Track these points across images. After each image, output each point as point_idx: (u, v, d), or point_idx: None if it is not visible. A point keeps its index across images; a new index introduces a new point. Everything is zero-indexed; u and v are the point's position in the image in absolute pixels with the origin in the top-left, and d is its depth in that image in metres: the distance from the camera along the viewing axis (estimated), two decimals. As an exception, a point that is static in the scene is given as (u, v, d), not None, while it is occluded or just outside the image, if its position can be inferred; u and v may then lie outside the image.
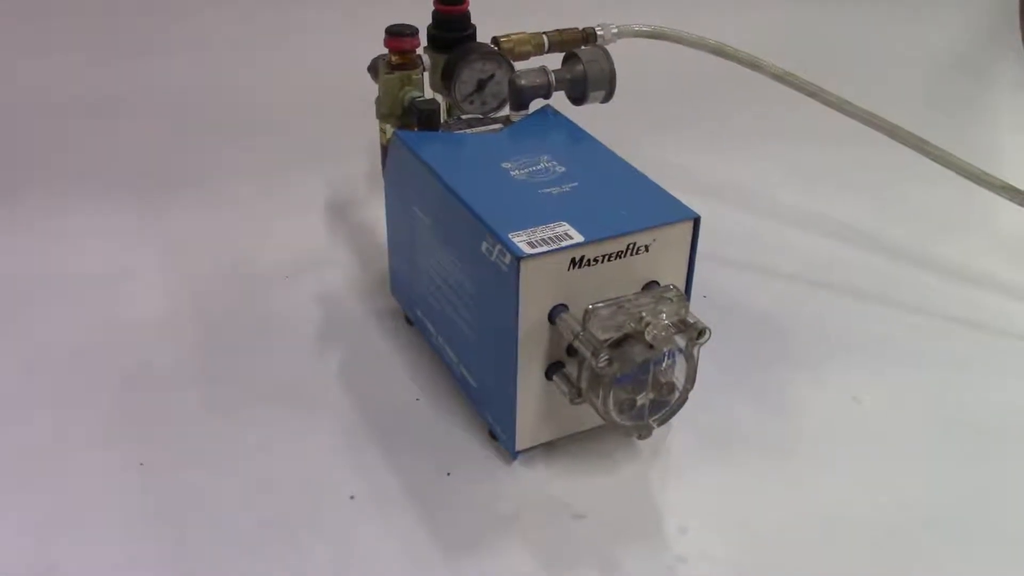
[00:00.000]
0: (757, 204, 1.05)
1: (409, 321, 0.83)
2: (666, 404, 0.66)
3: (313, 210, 1.00)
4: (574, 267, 0.64)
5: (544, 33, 0.85)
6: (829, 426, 0.75)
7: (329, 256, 0.94)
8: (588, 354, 0.62)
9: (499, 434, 0.71)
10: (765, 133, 1.12)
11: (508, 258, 0.62)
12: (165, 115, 1.02)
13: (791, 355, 0.83)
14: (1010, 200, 0.87)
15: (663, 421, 0.67)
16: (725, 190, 1.06)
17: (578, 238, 0.63)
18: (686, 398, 0.66)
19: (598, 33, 0.87)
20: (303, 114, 1.03)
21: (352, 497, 0.67)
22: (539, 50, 0.85)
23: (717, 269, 0.93)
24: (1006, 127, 1.21)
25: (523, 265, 0.62)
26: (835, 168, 1.09)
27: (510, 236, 0.63)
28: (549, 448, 0.71)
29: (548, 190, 0.69)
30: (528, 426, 0.69)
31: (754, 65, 0.89)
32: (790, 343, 0.84)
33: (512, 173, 0.71)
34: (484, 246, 0.65)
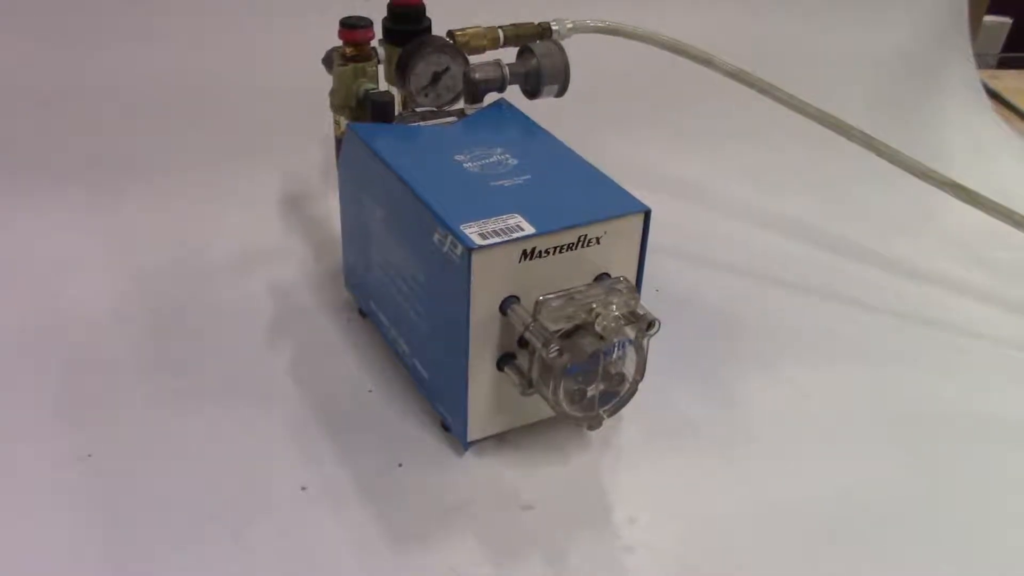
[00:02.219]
0: (710, 200, 1.06)
1: (362, 313, 0.83)
2: (616, 395, 0.67)
3: (266, 202, 0.99)
4: (525, 259, 0.64)
5: (500, 27, 0.85)
6: (777, 419, 0.76)
7: (282, 248, 0.93)
8: (539, 345, 0.63)
9: (451, 425, 0.71)
10: (720, 130, 1.13)
11: (459, 249, 0.62)
12: (115, 104, 1.01)
13: (741, 349, 0.84)
14: (955, 197, 0.88)
15: (613, 412, 0.67)
16: (679, 186, 1.07)
17: (529, 230, 0.64)
18: (636, 389, 0.67)
19: (553, 28, 0.87)
20: (257, 105, 1.02)
21: (304, 488, 0.67)
22: (495, 44, 0.85)
23: (670, 264, 0.94)
24: (954, 127, 1.22)
25: (474, 256, 0.62)
26: (787, 165, 1.10)
27: (462, 227, 0.63)
28: (500, 439, 0.72)
29: (501, 182, 0.69)
30: (479, 417, 0.69)
31: (707, 62, 0.90)
32: (740, 337, 0.85)
33: (465, 165, 0.71)
34: (436, 237, 0.65)
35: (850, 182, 1.08)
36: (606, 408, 0.67)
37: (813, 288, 0.93)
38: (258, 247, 0.93)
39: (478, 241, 0.62)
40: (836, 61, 1.23)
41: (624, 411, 0.68)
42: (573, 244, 0.65)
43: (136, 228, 0.94)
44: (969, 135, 1.23)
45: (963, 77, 1.29)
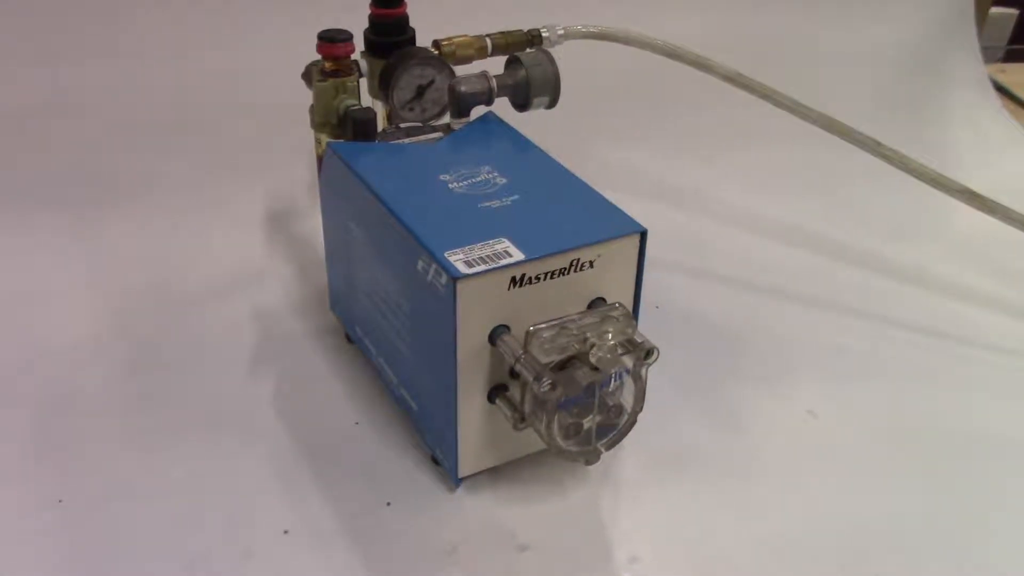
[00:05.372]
0: (712, 209, 1.02)
1: (349, 339, 0.80)
2: (614, 427, 0.63)
3: (251, 222, 0.95)
4: (515, 286, 0.60)
5: (487, 36, 0.81)
6: (785, 444, 0.72)
7: (267, 270, 0.90)
8: (530, 378, 0.59)
9: (441, 460, 0.68)
10: (720, 137, 1.09)
11: (444, 278, 0.59)
12: (94, 124, 0.97)
13: (746, 368, 0.80)
14: (969, 204, 0.84)
15: (611, 445, 0.63)
16: (679, 195, 1.03)
17: (518, 256, 0.60)
18: (635, 420, 0.63)
19: (543, 35, 0.83)
20: (241, 122, 0.99)
21: (286, 532, 0.64)
22: (482, 54, 0.81)
23: (671, 277, 0.90)
24: (962, 123, 1.19)
25: (460, 286, 0.58)
26: (791, 172, 1.06)
27: (446, 255, 0.60)
28: (494, 473, 0.68)
29: (488, 204, 0.66)
30: (471, 451, 0.66)
31: (704, 66, 0.86)
32: (745, 354, 0.82)
33: (451, 186, 0.68)
34: (420, 265, 0.61)
35: (856, 186, 1.04)
36: (604, 441, 0.63)
37: (820, 300, 0.89)
38: (242, 270, 0.89)
39: (464, 270, 0.58)
40: (838, 57, 1.20)
41: (624, 440, 0.64)
42: (565, 269, 0.62)
43: (116, 251, 0.90)
44: (977, 132, 1.19)
45: (970, 71, 1.25)
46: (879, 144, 0.85)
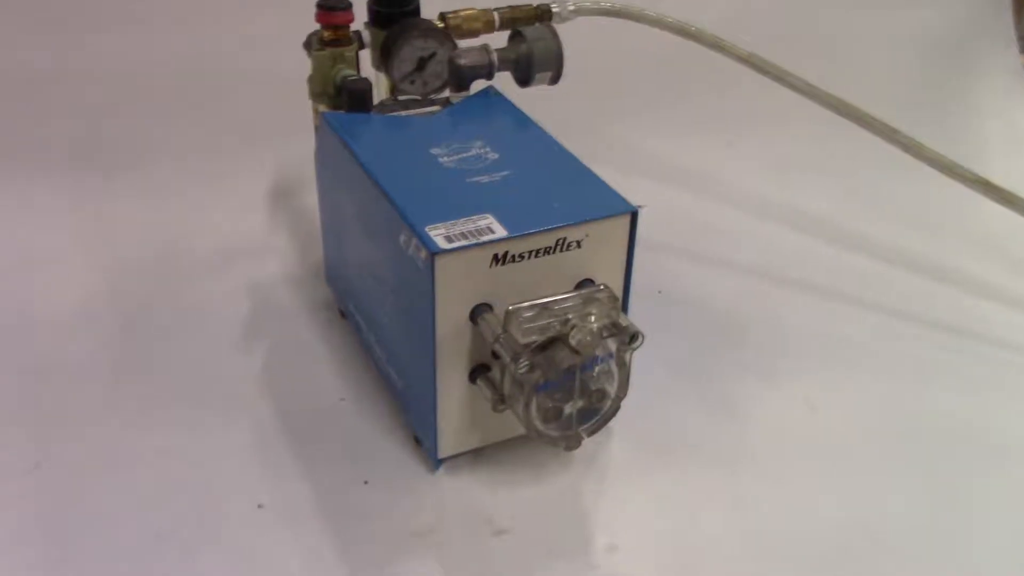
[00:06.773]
0: (719, 192, 0.99)
1: (343, 314, 0.78)
2: (597, 413, 0.61)
3: (254, 194, 0.94)
4: (497, 263, 0.59)
5: (495, 9, 0.79)
6: (779, 435, 0.70)
7: (267, 242, 0.89)
8: (508, 359, 0.57)
9: (423, 440, 0.66)
10: (731, 119, 1.06)
11: (423, 253, 0.57)
12: (98, 93, 0.97)
13: (745, 355, 0.78)
14: (986, 196, 0.81)
15: (593, 431, 0.62)
16: (687, 177, 1.00)
17: (501, 232, 0.58)
18: (619, 406, 0.62)
19: (553, 10, 0.81)
20: (247, 93, 0.98)
21: (260, 506, 0.63)
22: (489, 27, 0.80)
23: (675, 262, 0.88)
24: (992, 115, 1.15)
25: (438, 261, 0.57)
26: (802, 156, 1.03)
27: (427, 229, 0.58)
28: (477, 455, 0.67)
29: (477, 179, 0.64)
30: (451, 432, 0.64)
31: (718, 46, 0.83)
32: (747, 344, 0.79)
33: (441, 159, 0.66)
34: (402, 239, 0.60)
35: (871, 173, 1.00)
36: (586, 427, 0.61)
37: (829, 290, 0.86)
38: (241, 241, 0.88)
39: (443, 244, 0.57)
40: (863, 43, 1.17)
41: (613, 424, 0.63)
42: (551, 248, 0.60)
43: (117, 221, 0.90)
44: (1007, 121, 1.15)
45: (1003, 59, 1.21)
46: (895, 131, 0.82)
